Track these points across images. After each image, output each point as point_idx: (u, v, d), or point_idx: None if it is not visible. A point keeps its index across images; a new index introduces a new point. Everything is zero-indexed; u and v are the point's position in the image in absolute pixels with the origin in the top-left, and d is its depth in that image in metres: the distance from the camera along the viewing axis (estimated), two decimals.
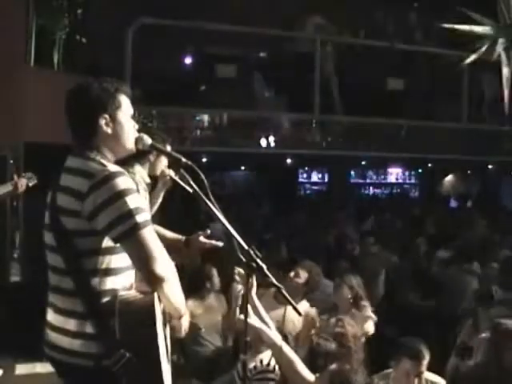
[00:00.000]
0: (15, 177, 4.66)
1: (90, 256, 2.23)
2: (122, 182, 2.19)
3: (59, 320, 2.29)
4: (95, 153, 2.30)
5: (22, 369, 4.97)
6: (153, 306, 2.19)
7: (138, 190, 2.30)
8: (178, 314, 2.38)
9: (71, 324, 2.25)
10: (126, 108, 2.38)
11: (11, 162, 6.36)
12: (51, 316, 2.33)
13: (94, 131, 2.33)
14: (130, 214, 2.15)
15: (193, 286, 5.11)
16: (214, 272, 5.40)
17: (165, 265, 2.18)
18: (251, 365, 3.87)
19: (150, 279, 2.17)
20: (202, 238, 3.31)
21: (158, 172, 2.62)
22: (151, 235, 2.18)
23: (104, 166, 2.25)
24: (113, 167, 2.25)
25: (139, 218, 2.16)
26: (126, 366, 2.12)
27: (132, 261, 2.23)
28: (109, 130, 2.33)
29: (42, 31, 7.04)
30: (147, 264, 2.15)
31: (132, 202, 2.16)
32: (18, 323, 4.99)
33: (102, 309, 2.21)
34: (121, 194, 2.16)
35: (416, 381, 3.56)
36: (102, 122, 2.32)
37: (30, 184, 4.61)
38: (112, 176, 2.19)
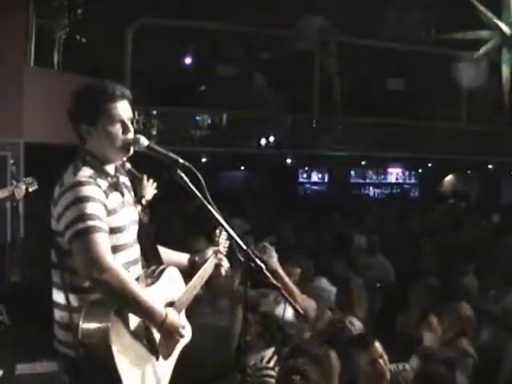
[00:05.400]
0: (14, 183, 4.67)
1: (70, 255, 2.30)
2: (84, 189, 2.28)
3: (54, 311, 2.43)
4: (87, 159, 2.39)
5: (21, 369, 4.96)
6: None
7: (105, 198, 2.34)
8: (155, 322, 2.33)
9: (58, 315, 2.40)
10: (114, 115, 2.40)
11: (11, 162, 6.37)
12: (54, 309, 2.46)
13: (83, 138, 2.43)
14: (79, 218, 2.23)
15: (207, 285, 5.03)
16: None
17: (108, 270, 2.18)
18: (251, 362, 3.90)
19: (96, 287, 2.25)
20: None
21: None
22: (98, 241, 2.22)
23: (76, 174, 2.33)
24: (82, 176, 2.33)
25: (89, 223, 2.23)
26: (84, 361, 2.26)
27: (77, 266, 2.26)
28: (94, 138, 2.41)
29: (41, 31, 7.05)
30: (86, 269, 2.20)
31: (83, 208, 2.25)
32: (18, 323, 4.99)
33: (76, 304, 2.32)
34: (80, 200, 2.26)
35: (377, 367, 3.58)
36: (84, 130, 2.40)
37: (31, 189, 4.61)
38: (76, 184, 2.29)
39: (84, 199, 2.26)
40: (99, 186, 2.33)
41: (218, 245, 2.91)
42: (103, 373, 2.24)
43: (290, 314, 4.39)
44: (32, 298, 5.48)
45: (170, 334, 2.38)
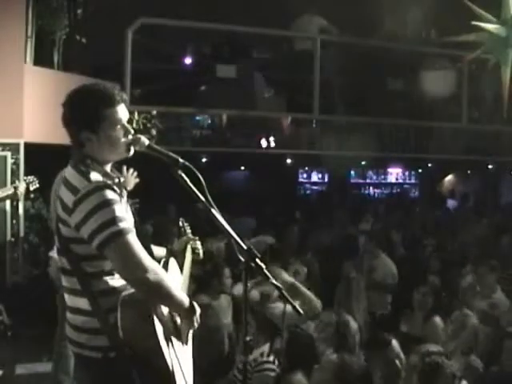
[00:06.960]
0: (16, 182, 4.69)
1: (88, 260, 2.32)
2: (105, 193, 2.27)
3: (70, 317, 2.42)
4: (87, 162, 2.37)
5: (22, 369, 4.97)
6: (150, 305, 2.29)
7: (120, 201, 2.34)
8: (184, 310, 2.41)
9: (79, 320, 2.37)
10: (114, 119, 2.40)
11: (11, 161, 6.37)
12: (67, 313, 2.45)
13: (81, 143, 2.41)
14: (111, 222, 2.23)
15: (203, 284, 5.08)
16: (227, 272, 5.29)
17: (150, 270, 2.22)
18: (251, 358, 3.93)
19: (137, 288, 2.26)
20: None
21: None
22: (133, 241, 2.24)
23: (89, 179, 2.31)
24: (96, 180, 2.32)
25: (121, 225, 2.23)
26: (130, 359, 2.25)
27: (116, 270, 2.28)
28: (93, 143, 2.40)
29: (41, 31, 7.04)
30: (129, 270, 2.22)
31: (112, 211, 2.24)
32: (18, 323, 4.99)
33: (104, 306, 2.31)
34: (104, 204, 2.25)
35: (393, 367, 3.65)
36: (85, 136, 2.39)
37: (32, 188, 4.62)
38: (95, 189, 2.27)
39: (109, 203, 2.25)
40: (114, 189, 2.33)
41: (186, 233, 3.04)
42: (151, 366, 2.26)
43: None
44: (32, 298, 5.49)
45: (192, 318, 2.45)
